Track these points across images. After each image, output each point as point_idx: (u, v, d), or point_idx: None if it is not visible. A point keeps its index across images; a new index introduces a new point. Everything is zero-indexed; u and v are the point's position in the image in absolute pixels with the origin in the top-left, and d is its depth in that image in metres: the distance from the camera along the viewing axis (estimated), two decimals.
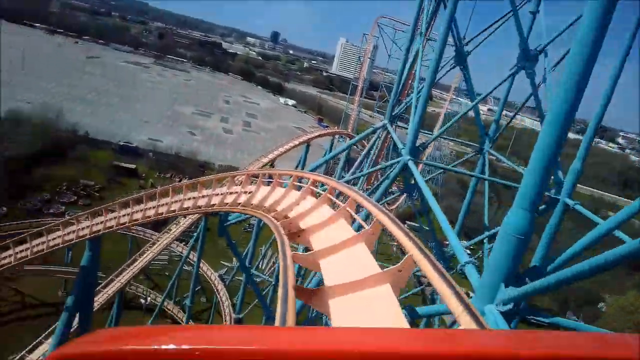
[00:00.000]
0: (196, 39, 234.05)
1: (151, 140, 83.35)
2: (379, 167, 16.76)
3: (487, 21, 16.17)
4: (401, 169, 12.66)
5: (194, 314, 37.74)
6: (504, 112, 19.71)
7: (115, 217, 19.01)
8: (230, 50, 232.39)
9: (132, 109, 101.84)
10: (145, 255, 33.42)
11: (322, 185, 7.86)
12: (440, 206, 11.03)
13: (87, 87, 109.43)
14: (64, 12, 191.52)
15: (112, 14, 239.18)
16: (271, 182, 10.29)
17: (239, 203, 11.53)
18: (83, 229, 19.52)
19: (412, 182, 13.75)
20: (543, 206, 11.98)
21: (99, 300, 27.33)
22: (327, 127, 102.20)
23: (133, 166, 70.92)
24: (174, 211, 16.70)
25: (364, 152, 18.00)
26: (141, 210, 18.12)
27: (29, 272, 35.37)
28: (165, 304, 38.25)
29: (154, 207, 17.92)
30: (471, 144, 18.95)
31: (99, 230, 18.45)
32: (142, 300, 39.73)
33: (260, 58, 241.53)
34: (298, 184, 8.79)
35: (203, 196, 15.82)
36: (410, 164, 12.43)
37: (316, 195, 7.76)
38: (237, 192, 12.96)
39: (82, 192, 60.51)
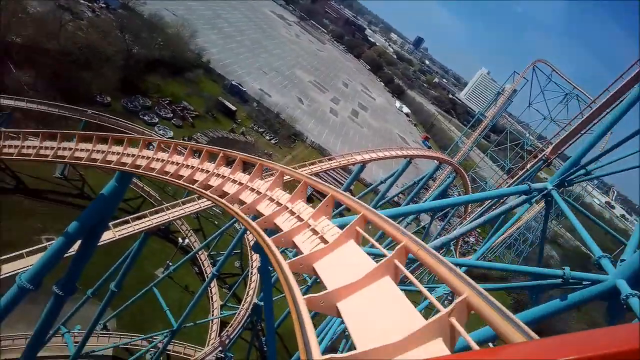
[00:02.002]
0: (344, 16, 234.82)
1: (261, 91, 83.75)
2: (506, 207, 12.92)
3: None
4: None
5: (220, 275, 35.93)
6: None
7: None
8: (370, 39, 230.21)
9: (258, 56, 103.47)
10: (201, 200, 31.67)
11: None
12: None
13: (228, 21, 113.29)
14: None
15: None
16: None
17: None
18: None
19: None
20: None
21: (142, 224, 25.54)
22: (430, 147, 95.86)
23: (234, 108, 71.34)
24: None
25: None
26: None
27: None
28: (200, 253, 36.76)
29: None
30: None
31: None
32: (180, 239, 38.73)
33: (394, 57, 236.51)
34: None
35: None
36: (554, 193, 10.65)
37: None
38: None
39: (180, 112, 61.71)
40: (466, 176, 45.81)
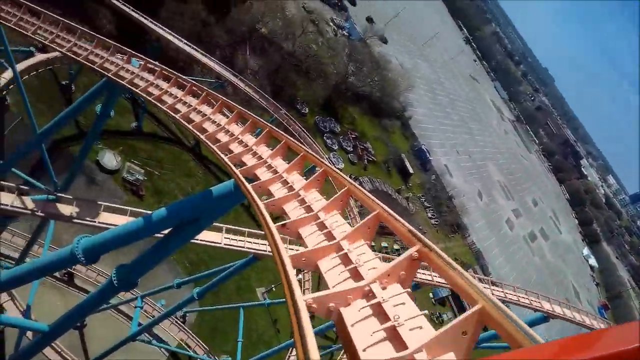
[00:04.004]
0: (563, 136, 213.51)
1: (444, 168, 77.84)
2: None
3: None
4: None
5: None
6: None
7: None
8: (583, 170, 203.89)
9: (458, 134, 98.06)
10: None
11: None
12: None
13: (445, 90, 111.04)
14: None
15: None
16: None
17: None
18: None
19: None
20: None
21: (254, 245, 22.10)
22: (605, 319, 75.26)
23: (411, 171, 66.64)
24: None
25: None
26: None
27: None
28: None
29: None
30: None
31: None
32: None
33: (603, 200, 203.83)
34: None
35: None
36: None
37: None
38: None
39: (360, 151, 59.70)
40: None
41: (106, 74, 11.73)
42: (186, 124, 8.70)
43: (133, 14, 37.36)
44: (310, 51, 57.29)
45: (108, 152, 33.28)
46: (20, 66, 24.58)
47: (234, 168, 6.26)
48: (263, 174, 6.00)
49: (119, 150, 34.23)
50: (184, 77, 10.61)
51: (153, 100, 9.95)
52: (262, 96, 43.85)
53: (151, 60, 11.51)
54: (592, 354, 1.16)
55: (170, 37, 38.44)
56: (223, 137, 7.81)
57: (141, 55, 11.92)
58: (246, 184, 5.37)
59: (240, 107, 8.39)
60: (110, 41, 13.01)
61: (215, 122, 8.52)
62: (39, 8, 16.28)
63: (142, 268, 9.92)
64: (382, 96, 67.41)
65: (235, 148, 7.29)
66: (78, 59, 13.33)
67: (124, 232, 9.05)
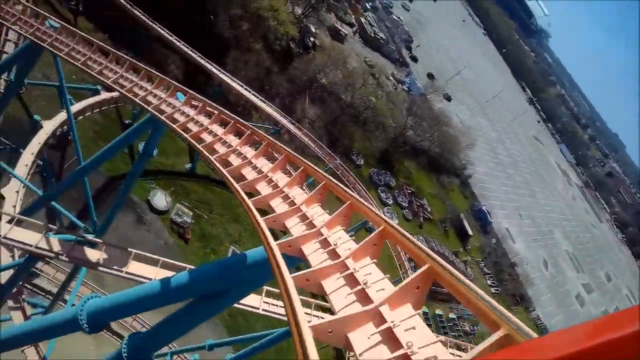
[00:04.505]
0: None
1: (506, 232, 72.23)
2: None
3: None
4: None
5: None
6: None
7: None
8: None
9: (521, 197, 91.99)
10: None
11: None
12: None
13: (508, 150, 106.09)
14: None
15: None
16: None
17: None
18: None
19: None
20: None
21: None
22: None
23: (470, 233, 62.07)
24: None
25: None
26: None
27: None
28: None
29: None
30: None
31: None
32: None
33: None
34: None
35: None
36: None
37: None
38: None
39: (415, 207, 56.60)
40: None
41: (147, 107, 10.41)
42: (237, 187, 6.38)
43: (200, 60, 38.37)
44: (369, 103, 56.50)
45: (160, 192, 32.87)
46: (83, 104, 24.90)
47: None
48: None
49: (170, 191, 33.79)
50: (245, 122, 8.49)
51: (203, 151, 7.83)
52: (318, 145, 42.84)
53: (211, 103, 9.64)
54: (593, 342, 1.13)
55: (232, 83, 38.87)
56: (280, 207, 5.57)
57: (200, 96, 10.18)
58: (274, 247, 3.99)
59: (307, 162, 6.13)
60: (174, 82, 11.50)
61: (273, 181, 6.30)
62: (109, 48, 15.77)
63: (159, 341, 7.87)
64: (442, 152, 64.70)
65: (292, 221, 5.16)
66: (135, 99, 12.17)
67: (136, 298, 7.14)
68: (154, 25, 37.41)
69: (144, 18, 37.11)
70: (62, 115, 22.83)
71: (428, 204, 59.37)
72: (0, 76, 23.54)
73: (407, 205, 55.79)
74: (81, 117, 25.56)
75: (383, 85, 67.57)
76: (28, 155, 19.43)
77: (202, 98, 9.86)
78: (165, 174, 34.97)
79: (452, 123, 70.48)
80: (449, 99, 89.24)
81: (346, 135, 52.76)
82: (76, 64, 14.93)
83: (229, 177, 6.16)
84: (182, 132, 8.61)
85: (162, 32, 37.62)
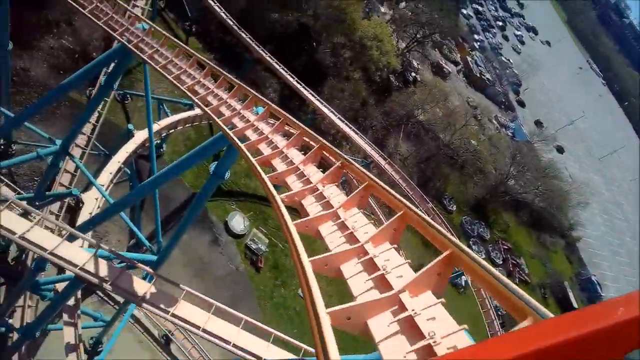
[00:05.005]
0: None
1: None
2: None
3: None
4: None
5: None
6: None
7: None
8: None
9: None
10: None
11: None
12: None
13: (625, 214, 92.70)
14: None
15: None
16: None
17: None
18: None
19: None
20: None
21: None
22: None
23: (575, 305, 53.48)
24: None
25: None
26: None
27: None
28: None
29: None
30: None
31: None
32: None
33: None
34: None
35: None
36: None
37: None
38: None
39: (511, 265, 50.07)
40: None
41: (228, 131, 8.24)
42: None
43: (298, 85, 37.67)
44: (469, 146, 52.03)
45: (239, 214, 31.81)
46: (176, 117, 24.63)
47: None
48: None
49: (249, 215, 32.62)
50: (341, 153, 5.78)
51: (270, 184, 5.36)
52: (408, 184, 39.58)
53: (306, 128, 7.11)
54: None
55: (325, 110, 37.53)
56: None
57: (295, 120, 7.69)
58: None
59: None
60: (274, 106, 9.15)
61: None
62: (205, 60, 14.39)
63: None
64: (547, 207, 57.36)
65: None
66: (217, 119, 10.35)
67: None
68: (257, 48, 37.61)
69: (249, 41, 37.51)
70: (155, 127, 22.58)
71: (526, 265, 52.37)
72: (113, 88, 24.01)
73: (501, 262, 49.56)
74: (172, 130, 25.31)
75: (485, 128, 62.51)
76: (114, 164, 19.02)
77: (299, 123, 7.19)
78: (248, 196, 34.02)
79: (562, 177, 62.73)
80: (560, 150, 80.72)
81: (440, 176, 48.72)
82: (169, 77, 13.59)
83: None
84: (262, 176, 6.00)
85: (264, 55, 37.65)
